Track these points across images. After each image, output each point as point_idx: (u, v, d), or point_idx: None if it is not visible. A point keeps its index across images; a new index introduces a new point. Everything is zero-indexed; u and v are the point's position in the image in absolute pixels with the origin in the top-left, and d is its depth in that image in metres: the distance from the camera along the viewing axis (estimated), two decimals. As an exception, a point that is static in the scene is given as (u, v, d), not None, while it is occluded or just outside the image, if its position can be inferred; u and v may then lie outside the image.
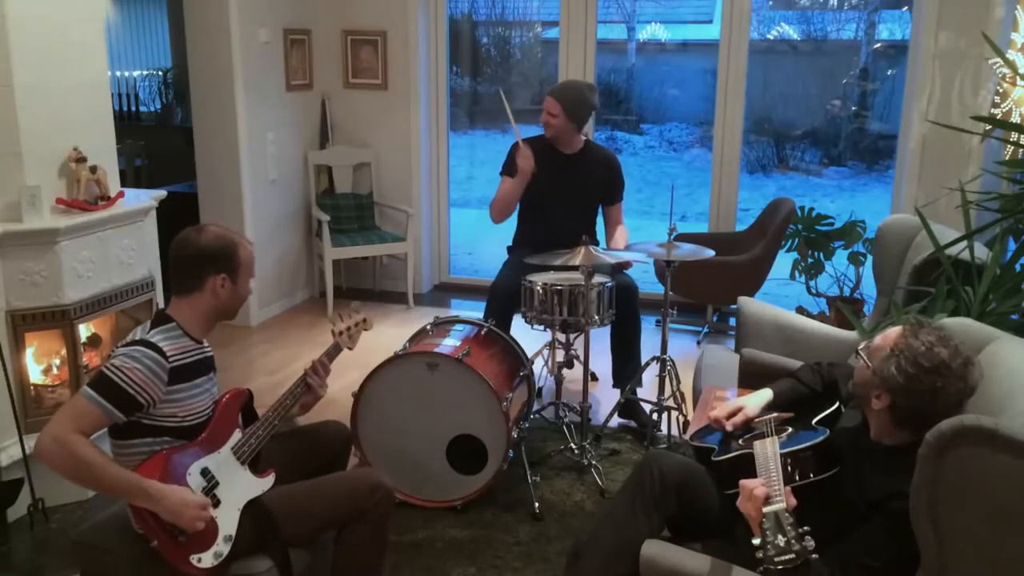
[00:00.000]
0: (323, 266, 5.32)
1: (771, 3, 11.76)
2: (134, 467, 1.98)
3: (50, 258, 2.98)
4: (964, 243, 2.98)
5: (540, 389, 3.97)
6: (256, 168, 5.04)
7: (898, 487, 1.73)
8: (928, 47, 4.60)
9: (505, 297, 3.60)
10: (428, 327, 3.33)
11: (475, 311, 4.39)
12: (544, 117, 3.74)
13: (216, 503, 2.04)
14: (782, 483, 1.75)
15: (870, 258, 4.50)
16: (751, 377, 2.86)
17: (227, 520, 2.05)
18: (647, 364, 3.64)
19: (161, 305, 3.41)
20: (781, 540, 1.55)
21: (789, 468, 1.89)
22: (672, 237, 3.34)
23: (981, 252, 2.98)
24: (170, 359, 2.03)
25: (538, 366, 3.75)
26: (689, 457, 2.26)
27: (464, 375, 2.95)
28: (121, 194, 3.36)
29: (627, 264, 3.60)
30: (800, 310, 4.78)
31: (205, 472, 2.06)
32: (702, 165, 11.39)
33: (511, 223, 3.97)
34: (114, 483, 1.93)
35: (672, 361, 3.48)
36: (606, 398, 4.04)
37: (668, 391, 3.47)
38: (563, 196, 3.77)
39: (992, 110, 4.40)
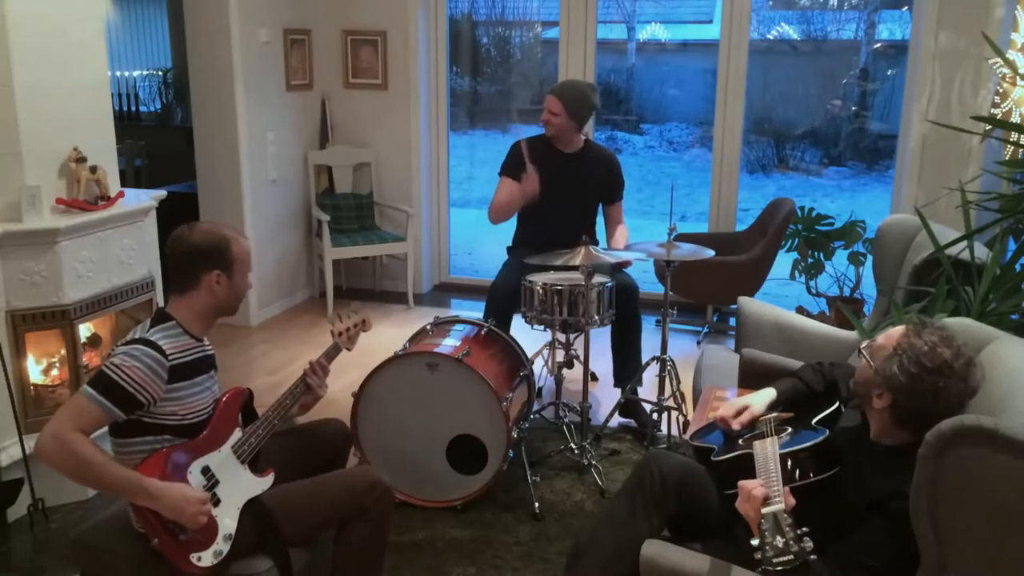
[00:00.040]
0: (323, 266, 5.32)
1: (771, 3, 11.76)
2: (135, 465, 1.98)
3: (50, 258, 2.98)
4: (964, 243, 2.98)
5: (540, 389, 3.97)
6: (256, 168, 5.04)
7: (898, 487, 1.73)
8: (928, 47, 4.60)
9: (504, 297, 3.60)
10: (428, 327, 3.33)
11: (475, 311, 4.39)
12: (545, 116, 3.74)
13: (216, 502, 2.04)
14: (781, 483, 1.75)
15: (870, 258, 4.50)
16: (751, 377, 2.86)
17: (227, 519, 2.05)
18: (647, 364, 3.64)
19: (161, 305, 3.41)
20: (780, 541, 1.55)
21: (789, 468, 1.89)
22: (672, 237, 3.34)
23: (981, 252, 2.98)
24: (170, 357, 2.03)
25: (538, 366, 3.75)
26: (689, 457, 2.26)
27: (464, 375, 2.95)
28: (121, 194, 3.36)
29: (626, 263, 3.60)
30: (800, 310, 4.78)
31: (205, 471, 2.06)
32: (702, 165, 11.39)
33: (511, 223, 3.97)
34: (114, 482, 1.93)
35: (672, 361, 3.48)
36: (606, 398, 4.04)
37: (668, 391, 3.47)
38: (563, 196, 3.76)
39: (992, 110, 4.40)
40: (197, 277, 2.11)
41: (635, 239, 3.87)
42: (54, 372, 3.14)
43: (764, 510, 1.64)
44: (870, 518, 1.80)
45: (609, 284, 3.37)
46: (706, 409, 2.58)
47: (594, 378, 4.24)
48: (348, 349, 2.52)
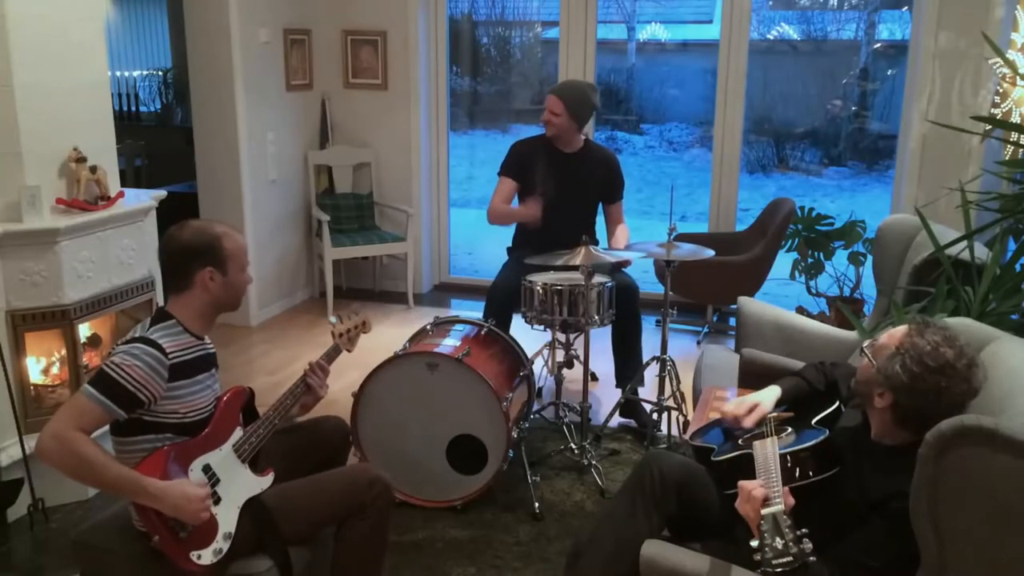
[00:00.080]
0: (323, 266, 5.32)
1: (771, 3, 11.76)
2: (136, 464, 1.98)
3: (50, 258, 2.98)
4: (964, 243, 2.98)
5: (540, 389, 3.97)
6: (256, 168, 5.04)
7: (898, 487, 1.73)
8: (928, 47, 4.60)
9: (504, 297, 3.60)
10: (428, 327, 3.33)
11: (475, 311, 4.38)
12: (546, 116, 3.74)
13: (216, 500, 2.04)
14: (781, 484, 1.75)
15: (870, 258, 4.50)
16: (751, 377, 2.86)
17: (227, 517, 2.05)
18: (647, 364, 3.64)
19: (161, 305, 3.41)
20: (779, 542, 1.54)
21: (789, 468, 1.89)
22: (672, 237, 3.34)
23: (981, 252, 2.98)
24: (170, 356, 2.03)
25: (538, 366, 3.75)
26: (689, 457, 2.26)
27: (464, 375, 2.95)
28: (121, 194, 3.36)
29: (626, 262, 3.60)
30: (800, 310, 4.78)
31: (206, 469, 2.06)
32: (702, 165, 11.39)
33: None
34: (115, 481, 1.93)
35: (672, 361, 3.48)
36: (606, 398, 4.04)
37: (668, 391, 3.47)
38: (563, 196, 3.76)
39: (992, 110, 4.41)
40: (190, 275, 2.11)
41: (635, 239, 3.87)
42: (54, 372, 3.14)
43: (764, 511, 1.64)
44: (870, 518, 1.80)
45: (609, 284, 3.37)
46: (706, 409, 2.58)
47: (594, 378, 4.24)
48: (348, 350, 2.52)
